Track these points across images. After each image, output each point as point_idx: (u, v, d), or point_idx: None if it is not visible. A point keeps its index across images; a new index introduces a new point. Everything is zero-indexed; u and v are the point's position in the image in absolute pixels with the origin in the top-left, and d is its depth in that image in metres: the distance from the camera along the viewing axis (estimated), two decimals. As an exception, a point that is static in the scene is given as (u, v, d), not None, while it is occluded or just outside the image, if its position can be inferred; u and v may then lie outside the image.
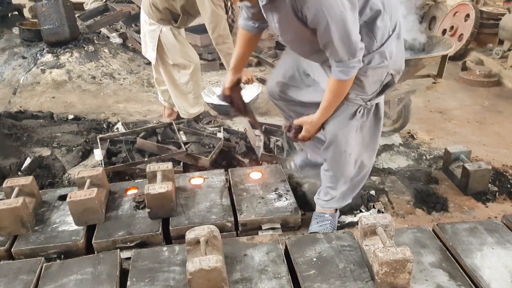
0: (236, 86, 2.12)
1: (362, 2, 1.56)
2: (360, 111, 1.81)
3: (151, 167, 2.03)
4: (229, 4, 2.82)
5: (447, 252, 1.72)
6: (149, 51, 3.09)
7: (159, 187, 1.86)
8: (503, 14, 5.03)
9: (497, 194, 2.46)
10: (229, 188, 2.21)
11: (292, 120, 1.92)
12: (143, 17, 3.01)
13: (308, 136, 1.89)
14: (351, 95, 1.78)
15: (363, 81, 1.73)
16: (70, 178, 2.48)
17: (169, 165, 2.03)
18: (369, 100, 1.79)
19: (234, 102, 2.14)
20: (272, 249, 1.70)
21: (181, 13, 2.91)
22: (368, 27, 1.62)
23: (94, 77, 4.44)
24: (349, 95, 1.77)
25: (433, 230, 1.87)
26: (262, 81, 3.25)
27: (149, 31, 2.99)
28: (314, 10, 1.44)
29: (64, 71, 4.41)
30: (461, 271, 1.62)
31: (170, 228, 1.90)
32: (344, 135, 1.86)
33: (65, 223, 1.89)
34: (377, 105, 1.87)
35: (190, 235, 1.56)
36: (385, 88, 1.80)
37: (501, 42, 5.00)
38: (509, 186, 2.55)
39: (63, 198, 2.06)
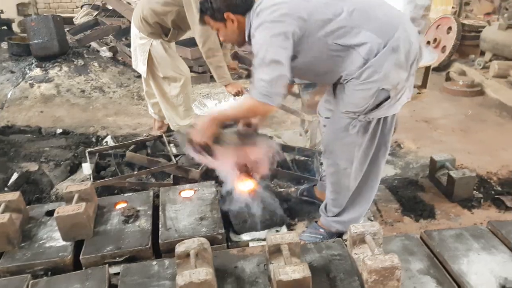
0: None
1: (335, 25, 1.69)
2: (354, 125, 1.82)
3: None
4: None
5: (435, 258, 1.74)
6: (139, 65, 3.11)
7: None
8: (483, 27, 5.20)
9: (482, 201, 2.51)
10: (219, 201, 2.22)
11: None
12: (134, 31, 3.03)
13: (197, 134, 1.81)
14: (341, 108, 1.82)
15: (350, 95, 1.77)
16: (58, 193, 2.46)
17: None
18: (361, 115, 1.80)
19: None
20: (263, 260, 1.71)
21: (172, 27, 2.94)
22: (351, 45, 1.70)
23: (83, 91, 4.44)
24: (340, 108, 1.82)
25: (421, 237, 1.89)
26: (251, 93, 3.28)
27: (140, 45, 3.02)
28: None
29: (52, 85, 4.41)
30: (449, 277, 1.64)
31: (159, 241, 1.89)
32: (337, 147, 1.89)
33: (53, 239, 1.87)
34: (379, 120, 1.85)
35: (180, 248, 1.55)
36: (380, 103, 1.79)
37: (482, 53, 5.15)
38: (493, 192, 2.61)
39: (50, 213, 2.04)
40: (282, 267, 1.47)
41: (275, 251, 1.61)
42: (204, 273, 1.42)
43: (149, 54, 3.01)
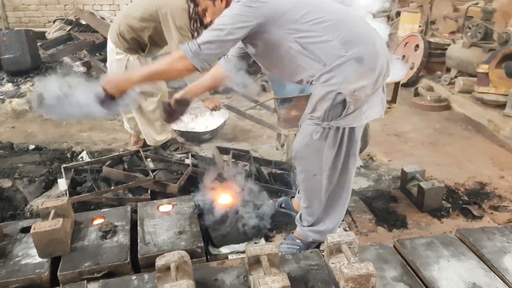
0: (182, 103, 2.24)
1: (305, 27, 1.78)
2: (317, 131, 1.89)
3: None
4: (195, 34, 2.91)
5: (408, 266, 1.81)
6: (115, 80, 3.10)
7: None
8: (448, 44, 5.47)
9: (450, 210, 2.62)
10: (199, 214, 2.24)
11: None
12: (110, 46, 3.04)
13: (107, 81, 1.91)
14: (306, 112, 1.92)
15: (312, 98, 1.87)
16: (32, 209, 2.41)
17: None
18: (325, 121, 1.87)
19: (172, 114, 2.25)
20: (243, 272, 1.73)
21: (149, 43, 2.97)
22: (313, 49, 1.81)
23: (56, 106, 4.37)
24: (305, 115, 1.92)
25: (394, 246, 1.96)
26: (229, 107, 3.34)
27: (116, 60, 3.02)
28: None
29: (24, 101, 4.33)
30: (421, 283, 1.71)
31: (138, 256, 1.88)
32: (305, 153, 1.96)
33: (28, 256, 1.83)
34: (344, 130, 1.91)
35: (160, 261, 1.56)
36: (337, 109, 1.84)
37: (448, 70, 5.38)
38: (461, 202, 2.73)
39: (25, 230, 2.00)
40: (262, 278, 1.50)
41: (255, 262, 1.63)
42: (185, 285, 1.43)
43: (126, 69, 3.01)
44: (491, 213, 2.66)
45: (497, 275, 1.73)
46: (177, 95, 2.24)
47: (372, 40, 1.86)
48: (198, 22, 2.90)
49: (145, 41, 2.97)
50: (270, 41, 1.85)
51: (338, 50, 1.79)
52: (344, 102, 1.83)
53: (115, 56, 3.03)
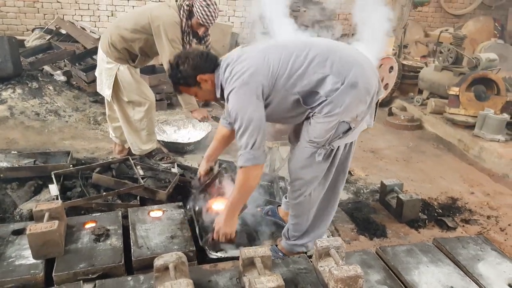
0: (209, 172, 2.43)
1: (296, 76, 1.87)
2: (319, 154, 1.96)
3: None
4: (187, 47, 3.00)
5: (390, 271, 1.92)
6: (104, 88, 3.14)
7: None
8: (421, 67, 5.78)
9: (426, 222, 2.78)
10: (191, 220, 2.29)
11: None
12: (101, 55, 3.07)
13: (223, 233, 2.05)
14: (306, 137, 1.97)
15: (313, 127, 1.93)
16: (22, 213, 2.38)
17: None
18: (326, 144, 1.94)
19: (206, 185, 2.44)
20: (235, 275, 1.79)
21: (139, 53, 3.03)
22: (312, 89, 1.89)
23: (38, 114, 4.31)
24: (305, 138, 1.97)
25: (377, 253, 2.08)
26: (216, 119, 3.42)
27: (106, 69, 3.06)
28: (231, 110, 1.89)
29: (5, 107, 4.24)
30: (403, 286, 1.82)
31: (132, 258, 1.91)
32: (304, 175, 2.02)
33: (22, 257, 1.83)
34: (339, 147, 2.00)
35: (158, 261, 1.61)
36: (340, 132, 1.93)
37: (420, 92, 5.68)
38: (436, 214, 2.89)
39: (17, 233, 2.00)
40: (257, 277, 1.57)
41: (249, 264, 1.71)
42: (185, 283, 1.48)
43: (115, 79, 3.05)
44: (463, 226, 2.83)
45: (472, 280, 1.87)
46: (202, 168, 2.40)
47: (359, 62, 1.93)
48: (190, 35, 2.99)
49: (136, 51, 3.03)
50: (274, 103, 1.93)
51: (335, 84, 1.86)
52: (347, 126, 1.93)
53: (105, 65, 3.07)
